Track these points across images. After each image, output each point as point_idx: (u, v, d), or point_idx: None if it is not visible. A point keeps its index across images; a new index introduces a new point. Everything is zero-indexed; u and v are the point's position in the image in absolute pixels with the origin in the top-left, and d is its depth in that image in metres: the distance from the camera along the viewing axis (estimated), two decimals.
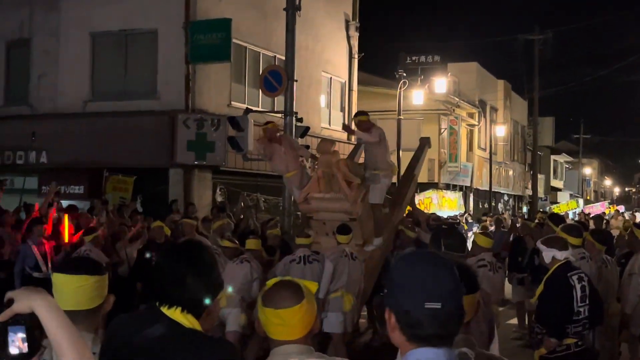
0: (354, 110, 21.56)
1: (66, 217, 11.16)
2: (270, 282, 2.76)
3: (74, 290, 2.69)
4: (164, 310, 2.40)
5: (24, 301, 1.93)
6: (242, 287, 8.77)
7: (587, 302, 5.78)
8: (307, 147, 13.65)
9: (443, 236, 4.55)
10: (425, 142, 13.19)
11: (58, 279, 2.73)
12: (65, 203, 14.24)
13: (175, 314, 2.39)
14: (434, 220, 12.40)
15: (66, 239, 10.83)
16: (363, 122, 10.39)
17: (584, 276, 5.93)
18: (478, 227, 20.61)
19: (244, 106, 17.37)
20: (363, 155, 11.43)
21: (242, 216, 17.23)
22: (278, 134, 11.19)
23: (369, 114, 10.90)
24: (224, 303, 8.48)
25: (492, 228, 17.31)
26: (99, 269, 2.81)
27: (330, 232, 10.06)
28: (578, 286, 5.77)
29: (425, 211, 18.91)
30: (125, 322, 2.52)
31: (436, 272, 1.91)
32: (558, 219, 10.32)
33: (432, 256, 1.99)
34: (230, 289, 8.58)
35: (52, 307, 1.97)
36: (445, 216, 21.87)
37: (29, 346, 1.90)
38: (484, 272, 6.71)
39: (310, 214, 10.54)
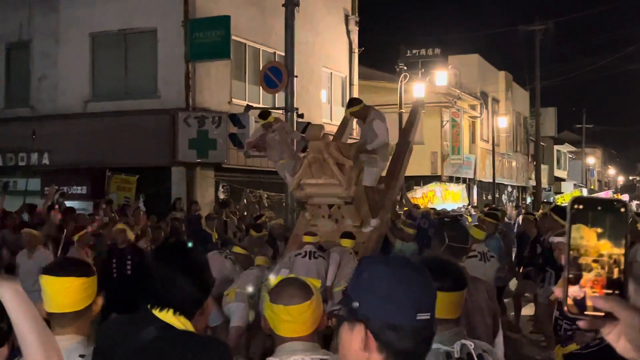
0: None
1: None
2: (276, 280, 2.75)
3: (60, 292, 2.67)
4: (156, 312, 2.38)
5: None
6: (251, 286, 8.76)
7: None
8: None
9: (446, 229, 4.50)
10: (417, 105, 12.48)
11: (45, 281, 2.70)
12: (68, 204, 14.26)
13: (167, 316, 2.38)
14: (436, 214, 12.31)
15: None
16: (358, 111, 10.08)
17: None
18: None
19: (245, 103, 17.36)
20: (352, 133, 11.09)
21: (245, 213, 17.27)
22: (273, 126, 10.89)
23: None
24: (232, 297, 8.49)
25: None
26: (87, 270, 2.77)
27: (326, 215, 10.09)
28: None
29: (429, 205, 18.89)
30: (117, 326, 2.50)
31: (421, 278, 1.68)
32: (562, 210, 10.21)
33: (408, 261, 1.75)
34: (237, 286, 8.60)
35: (19, 295, 1.86)
36: (449, 209, 21.84)
37: None
38: (473, 262, 6.84)
39: (305, 200, 10.43)
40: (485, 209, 19.52)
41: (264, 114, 11.10)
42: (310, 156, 9.75)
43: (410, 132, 11.84)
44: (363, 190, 10.06)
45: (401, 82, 26.44)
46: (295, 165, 10.41)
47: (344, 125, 11.54)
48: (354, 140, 11.72)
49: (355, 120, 11.29)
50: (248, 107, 15.89)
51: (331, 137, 10.88)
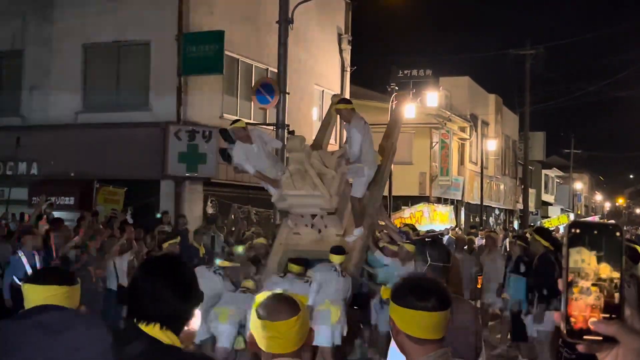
0: None
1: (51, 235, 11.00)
2: (262, 296, 2.74)
3: (43, 300, 2.64)
4: (143, 327, 2.35)
5: None
6: (243, 313, 8.66)
7: None
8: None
9: (428, 248, 4.57)
10: (400, 103, 12.43)
11: (27, 289, 2.68)
12: (56, 214, 14.21)
13: (154, 330, 2.34)
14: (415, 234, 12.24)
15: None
16: (345, 110, 9.93)
17: None
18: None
19: (236, 118, 17.37)
20: (332, 139, 10.85)
21: (232, 228, 17.24)
22: (246, 133, 10.32)
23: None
24: (224, 319, 8.48)
25: (483, 242, 17.13)
26: (70, 279, 2.76)
27: (309, 224, 10.00)
28: None
29: (414, 225, 18.88)
30: None
31: None
32: (543, 231, 10.22)
33: None
34: (230, 308, 8.60)
35: None
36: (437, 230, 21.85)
37: None
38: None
39: (287, 210, 10.30)
40: (472, 231, 19.59)
41: (235, 121, 10.83)
42: (291, 167, 9.66)
43: (393, 132, 11.53)
44: (347, 200, 9.94)
45: (392, 102, 26.52)
46: (277, 175, 10.23)
47: (326, 125, 11.24)
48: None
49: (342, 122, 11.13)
50: None
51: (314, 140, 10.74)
